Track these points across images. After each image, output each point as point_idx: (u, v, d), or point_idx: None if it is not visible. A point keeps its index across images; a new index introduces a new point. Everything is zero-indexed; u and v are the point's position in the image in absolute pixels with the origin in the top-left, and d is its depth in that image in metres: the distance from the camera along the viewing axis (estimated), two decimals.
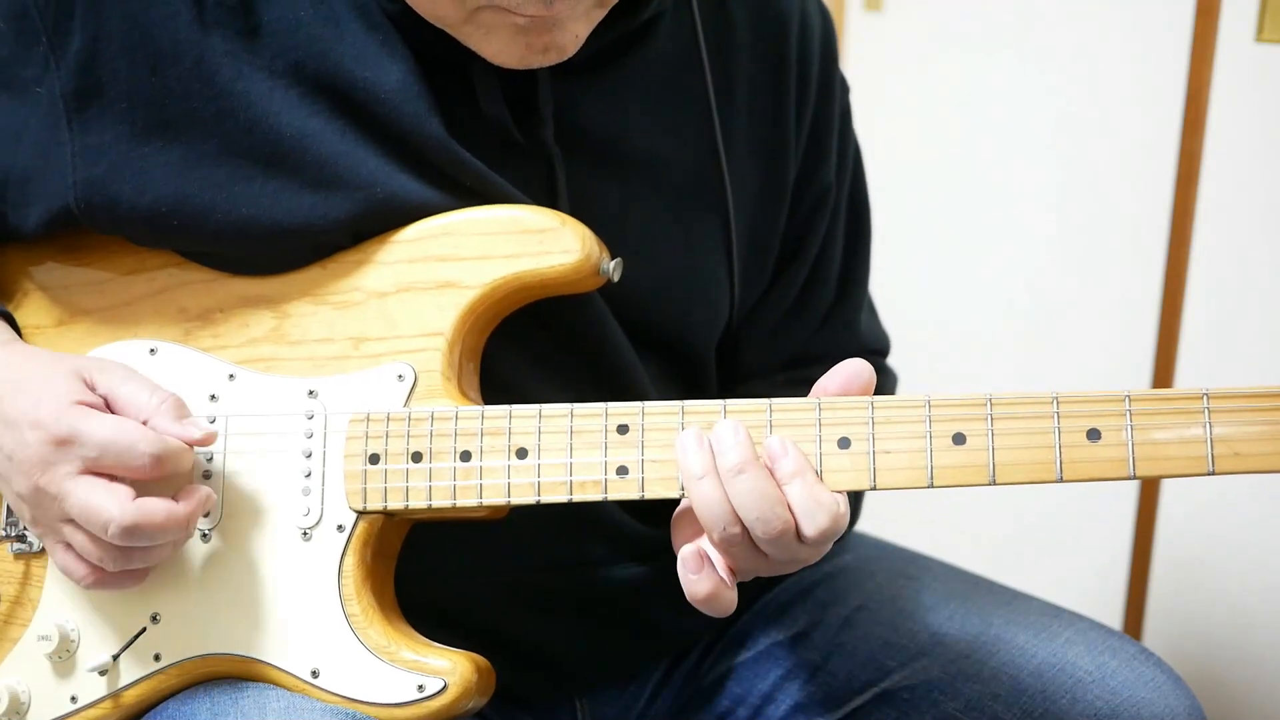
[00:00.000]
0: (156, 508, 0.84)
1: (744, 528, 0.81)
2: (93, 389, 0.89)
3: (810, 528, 0.81)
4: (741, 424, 0.83)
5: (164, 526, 0.85)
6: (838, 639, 1.09)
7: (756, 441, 0.83)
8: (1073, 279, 1.79)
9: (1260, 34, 1.56)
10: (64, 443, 0.85)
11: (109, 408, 0.89)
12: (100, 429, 0.85)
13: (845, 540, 1.19)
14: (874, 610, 1.10)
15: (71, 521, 0.86)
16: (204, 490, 0.88)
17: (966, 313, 1.91)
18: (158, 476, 0.86)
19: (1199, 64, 1.62)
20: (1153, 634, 1.75)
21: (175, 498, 0.86)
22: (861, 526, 1.25)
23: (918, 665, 1.05)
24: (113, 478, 0.85)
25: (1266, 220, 1.60)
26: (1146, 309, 1.70)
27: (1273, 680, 1.63)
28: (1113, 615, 1.78)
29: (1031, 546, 1.87)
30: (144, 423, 0.87)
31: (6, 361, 0.91)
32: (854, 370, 0.85)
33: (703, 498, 0.82)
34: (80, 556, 0.87)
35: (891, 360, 1.21)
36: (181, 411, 0.89)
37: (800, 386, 1.08)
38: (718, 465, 0.82)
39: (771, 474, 0.82)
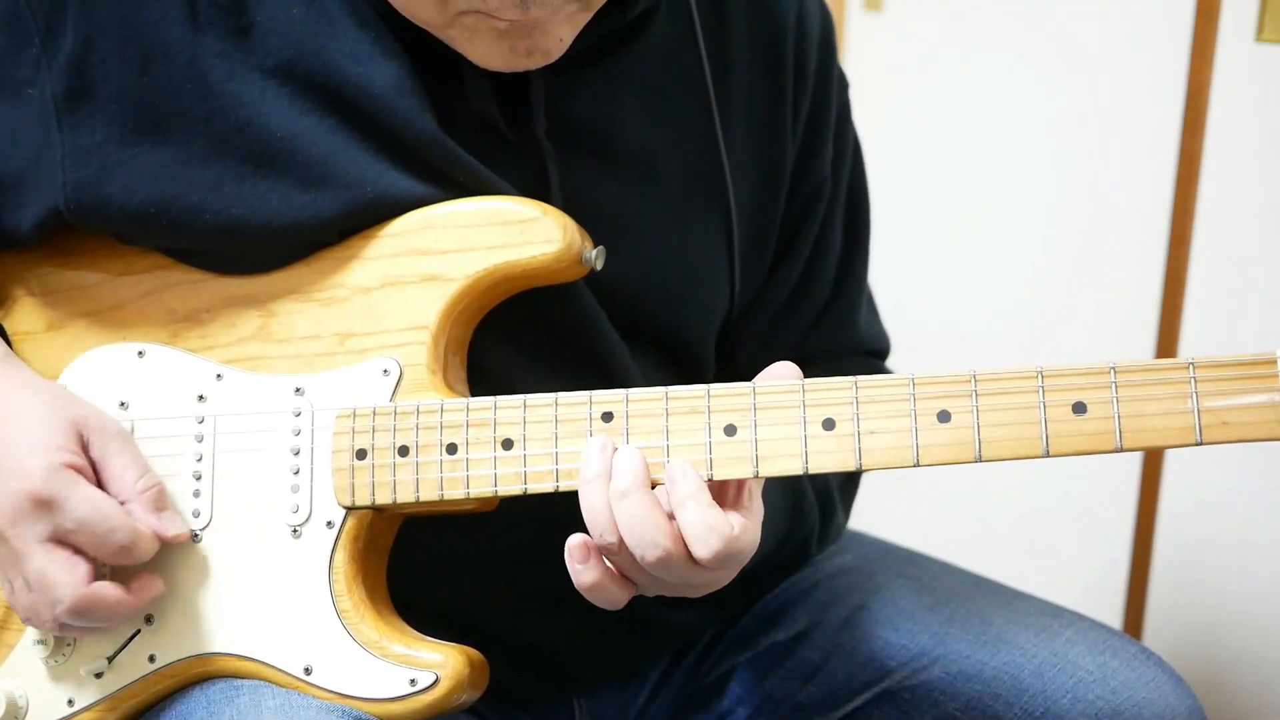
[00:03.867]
0: (108, 595, 0.86)
1: (624, 544, 0.82)
2: (86, 449, 0.89)
3: (702, 550, 0.80)
4: (639, 452, 0.83)
5: (111, 613, 0.86)
6: (838, 639, 1.09)
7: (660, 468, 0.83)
8: (1072, 279, 1.79)
9: (1260, 34, 1.56)
10: (44, 504, 0.85)
11: (95, 472, 0.89)
12: (82, 505, 0.85)
13: (843, 539, 1.19)
14: (874, 610, 1.10)
15: (25, 579, 0.86)
16: (157, 582, 0.89)
17: (966, 313, 1.91)
18: (119, 564, 0.87)
19: (1199, 64, 1.62)
20: (1153, 634, 1.74)
21: (128, 583, 0.87)
22: (862, 526, 1.25)
23: (918, 665, 1.05)
24: (76, 549, 0.86)
25: (1266, 220, 1.60)
26: (1146, 309, 1.70)
27: (1273, 680, 1.62)
28: (1113, 615, 1.78)
29: (1031, 546, 1.86)
30: (123, 503, 0.88)
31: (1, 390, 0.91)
32: (781, 374, 0.85)
33: (588, 501, 0.82)
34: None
35: (891, 360, 1.21)
36: (162, 502, 0.90)
37: None
38: (610, 486, 0.82)
39: (660, 503, 0.82)
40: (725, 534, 0.80)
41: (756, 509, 0.85)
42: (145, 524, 0.87)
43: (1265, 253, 1.60)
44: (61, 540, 0.85)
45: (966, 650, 1.04)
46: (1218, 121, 1.62)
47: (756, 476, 0.83)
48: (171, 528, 0.89)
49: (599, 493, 0.82)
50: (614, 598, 0.84)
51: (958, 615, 1.07)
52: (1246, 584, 1.64)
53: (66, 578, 0.85)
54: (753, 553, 0.84)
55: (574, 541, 0.83)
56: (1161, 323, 1.69)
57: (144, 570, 0.89)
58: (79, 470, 0.87)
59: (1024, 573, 1.46)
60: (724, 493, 0.85)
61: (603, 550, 0.83)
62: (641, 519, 0.80)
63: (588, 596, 0.84)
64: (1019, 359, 1.85)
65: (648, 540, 0.80)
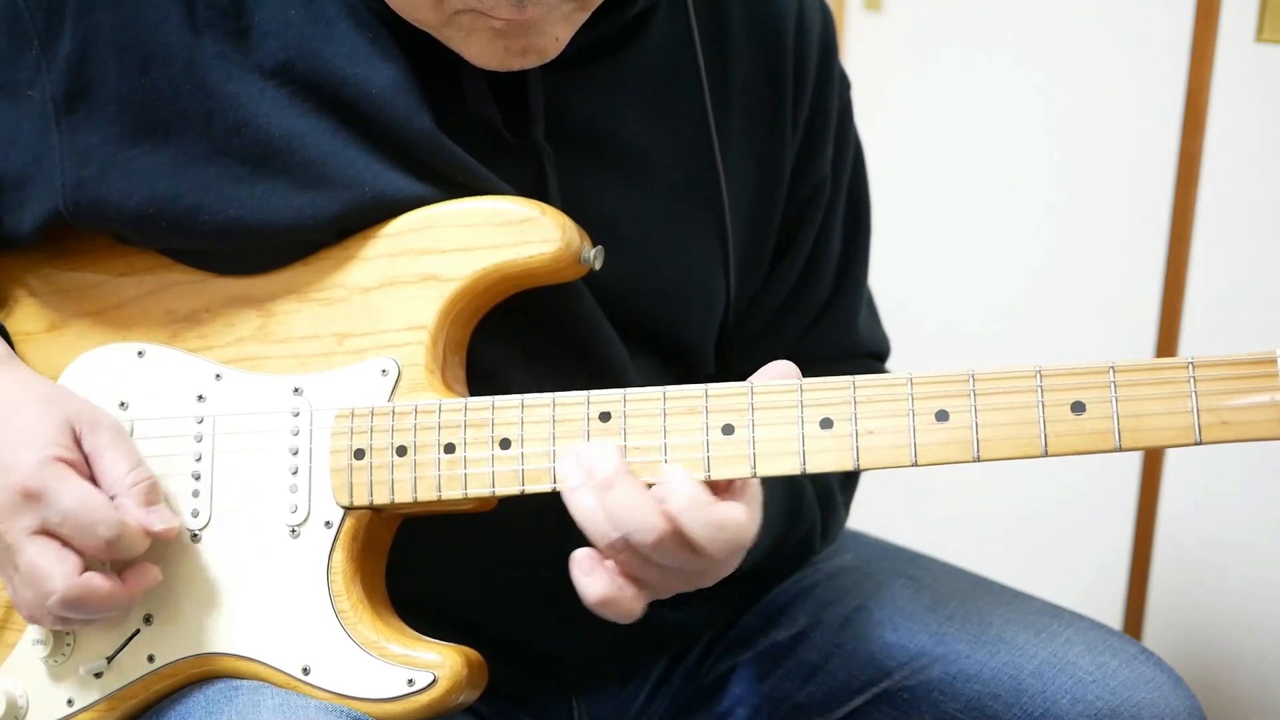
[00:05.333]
0: (99, 586, 0.85)
1: (624, 537, 0.81)
2: (78, 443, 0.89)
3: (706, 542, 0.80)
4: (611, 442, 0.83)
5: (104, 604, 0.86)
6: (837, 639, 1.09)
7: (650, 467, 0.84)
8: (1072, 279, 1.79)
9: (1260, 34, 1.56)
10: (31, 497, 0.85)
11: (89, 466, 0.89)
12: (68, 497, 0.85)
13: (843, 539, 1.19)
14: (874, 610, 1.10)
15: (20, 573, 0.86)
16: (152, 571, 0.89)
17: (966, 313, 1.91)
18: (109, 558, 0.87)
19: (1199, 64, 1.61)
20: (1153, 634, 1.74)
21: (123, 574, 0.87)
22: (862, 526, 1.25)
23: (918, 665, 1.05)
24: (66, 542, 0.85)
25: (1266, 220, 1.60)
26: (1146, 309, 1.70)
27: (1273, 680, 1.62)
28: (1113, 615, 1.77)
29: (1031, 546, 1.86)
30: (114, 497, 0.87)
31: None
32: (779, 373, 0.84)
33: (579, 508, 0.82)
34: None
35: (891, 361, 1.21)
36: (153, 497, 0.89)
37: None
38: (593, 483, 0.81)
39: (644, 486, 0.81)
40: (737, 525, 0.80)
41: (753, 494, 0.84)
42: (134, 518, 0.87)
43: (1265, 253, 1.60)
44: (51, 533, 0.85)
45: (966, 650, 1.04)
46: (1218, 121, 1.62)
47: (754, 476, 0.83)
48: (159, 522, 0.88)
49: (586, 497, 0.81)
50: (627, 608, 0.83)
51: (957, 615, 1.07)
52: (1246, 584, 1.64)
53: (57, 569, 0.84)
54: (753, 537, 0.83)
55: (579, 554, 0.82)
56: (1161, 323, 1.69)
57: (140, 561, 0.89)
58: (71, 464, 0.87)
59: (1024, 573, 1.46)
60: (718, 483, 0.84)
61: (609, 552, 0.82)
62: (632, 504, 0.80)
63: (600, 612, 0.83)
64: (1019, 359, 1.84)
65: (643, 523, 0.79)
